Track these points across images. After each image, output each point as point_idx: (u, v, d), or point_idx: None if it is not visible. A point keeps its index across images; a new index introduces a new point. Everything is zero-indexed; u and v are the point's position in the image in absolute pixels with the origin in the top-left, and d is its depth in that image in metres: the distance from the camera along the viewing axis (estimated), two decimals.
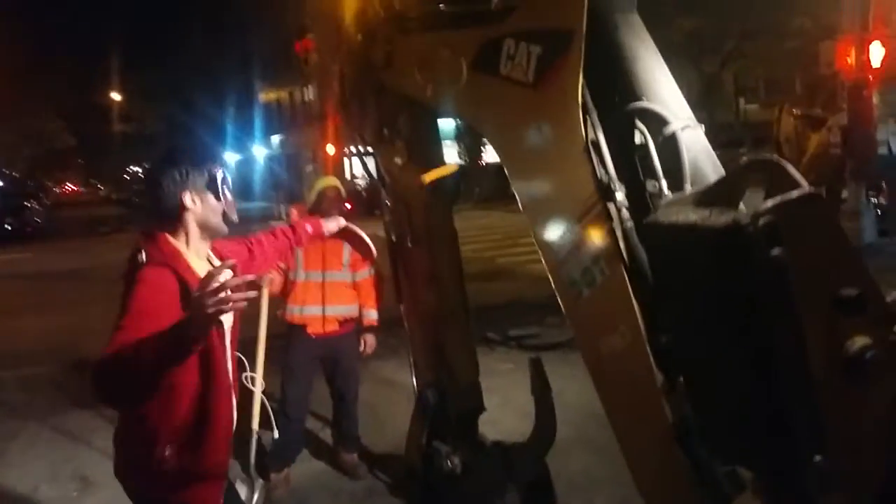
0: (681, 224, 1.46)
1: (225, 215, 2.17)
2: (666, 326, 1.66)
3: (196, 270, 2.09)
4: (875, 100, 10.71)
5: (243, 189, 40.94)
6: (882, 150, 11.49)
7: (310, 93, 35.72)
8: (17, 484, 4.45)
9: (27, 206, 30.11)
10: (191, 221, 2.13)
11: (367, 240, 3.20)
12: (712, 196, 1.52)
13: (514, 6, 2.43)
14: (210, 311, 1.69)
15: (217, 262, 2.25)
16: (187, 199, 2.10)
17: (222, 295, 1.70)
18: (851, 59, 10.05)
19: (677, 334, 1.58)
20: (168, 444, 2.07)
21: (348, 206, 4.26)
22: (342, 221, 2.98)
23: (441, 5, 3.12)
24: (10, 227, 26.02)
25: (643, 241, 1.75)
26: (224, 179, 2.16)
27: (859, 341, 1.27)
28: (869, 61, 9.81)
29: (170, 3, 43.42)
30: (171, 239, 2.11)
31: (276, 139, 42.56)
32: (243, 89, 42.05)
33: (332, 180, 4.31)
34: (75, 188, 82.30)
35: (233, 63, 42.49)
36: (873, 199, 11.14)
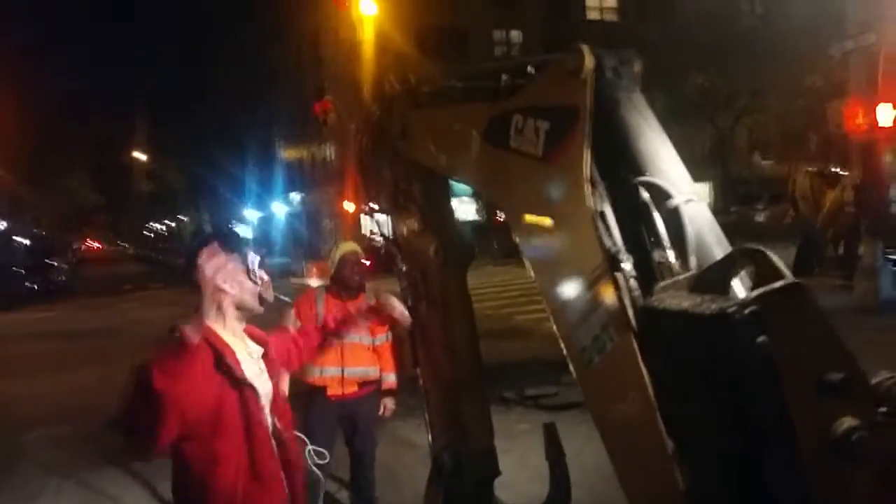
0: (673, 310, 1.55)
1: (260, 296, 2.29)
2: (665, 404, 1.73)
3: (231, 346, 2.21)
4: (888, 157, 10.78)
5: (264, 245, 41.47)
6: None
7: (328, 151, 36.47)
8: None
9: (52, 264, 30.61)
10: (227, 303, 2.26)
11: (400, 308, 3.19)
12: (704, 282, 1.61)
13: (522, 84, 2.58)
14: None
15: (251, 343, 2.37)
16: (221, 282, 2.24)
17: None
18: (860, 120, 10.16)
19: (673, 413, 1.65)
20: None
21: (367, 262, 4.36)
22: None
23: (454, 81, 3.30)
24: (35, 286, 26.44)
25: (639, 323, 1.83)
26: (260, 262, 2.29)
27: (846, 422, 1.34)
28: (877, 122, 9.91)
29: (194, 64, 44.81)
30: (205, 319, 2.24)
31: (296, 196, 43.25)
32: (264, 148, 43.03)
33: (351, 245, 4.44)
34: (99, 245, 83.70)
35: (254, 122, 43.61)
36: (891, 257, 11.10)
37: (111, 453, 6.10)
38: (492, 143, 2.64)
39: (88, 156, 48.36)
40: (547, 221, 2.48)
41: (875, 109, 9.88)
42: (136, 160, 50.74)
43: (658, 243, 2.12)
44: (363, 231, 30.41)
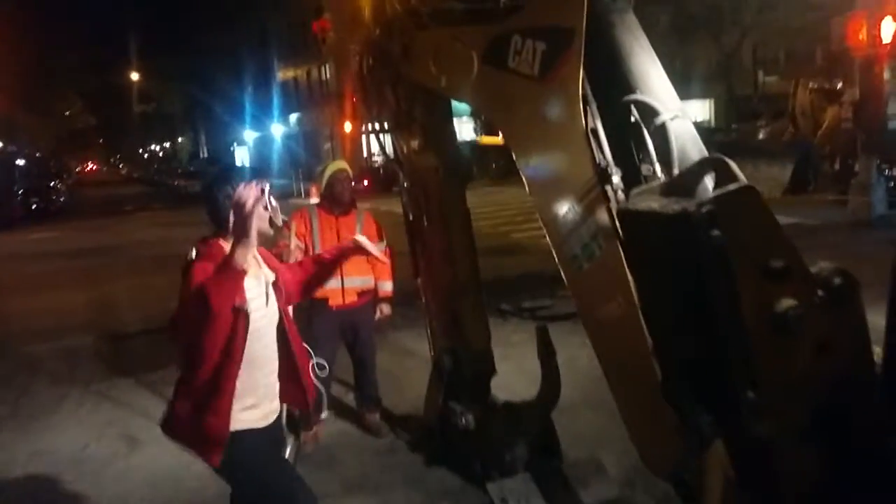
0: (644, 211, 1.76)
1: (271, 220, 2.51)
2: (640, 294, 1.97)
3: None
4: (886, 75, 10.77)
5: (262, 167, 41.25)
6: (893, 124, 11.56)
7: (327, 71, 35.91)
8: (67, 445, 4.84)
9: (52, 185, 30.67)
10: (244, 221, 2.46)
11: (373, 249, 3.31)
12: (673, 188, 1.81)
13: (521, 5, 2.70)
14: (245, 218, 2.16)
15: (262, 264, 2.63)
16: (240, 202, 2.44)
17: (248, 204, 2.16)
18: (863, 35, 10.10)
19: (645, 300, 1.89)
20: (185, 402, 2.47)
21: (366, 183, 4.52)
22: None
23: (454, 2, 3.40)
24: (36, 207, 26.62)
25: (626, 225, 2.03)
26: (269, 191, 2.49)
27: (785, 303, 1.57)
28: (880, 37, 9.85)
29: None
30: (222, 242, 2.46)
31: (294, 117, 42.82)
32: (262, 68, 42.26)
33: (340, 164, 4.58)
34: (96, 167, 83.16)
35: (251, 42, 42.69)
36: (885, 172, 11.24)
37: (120, 365, 6.45)
38: (491, 64, 2.78)
39: (82, 78, 47.54)
40: (542, 139, 2.66)
41: (879, 24, 9.82)
42: (131, 82, 49.90)
43: (646, 157, 2.31)
44: (363, 153, 30.40)
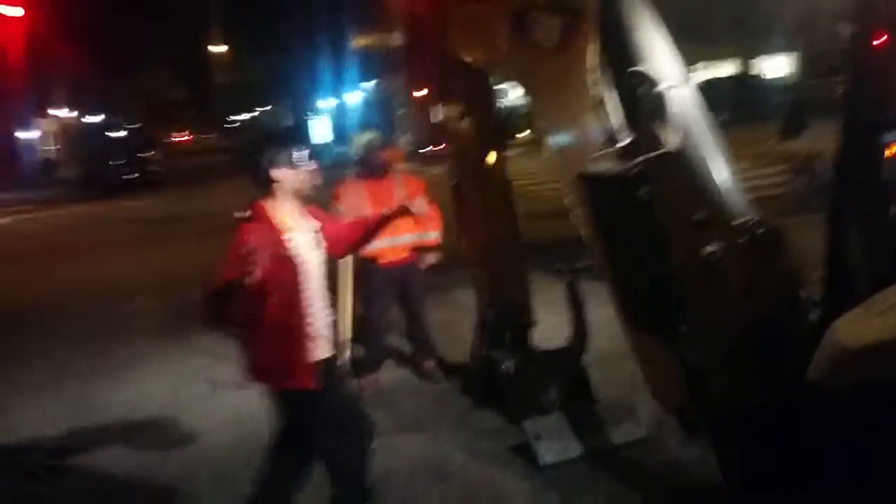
0: (593, 173, 2.04)
1: (311, 181, 2.87)
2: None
3: (286, 223, 2.83)
4: None
5: (339, 134, 42.18)
6: None
7: (397, 38, 36.13)
8: (159, 387, 5.49)
9: (148, 156, 32.21)
10: (282, 189, 2.84)
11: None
12: (622, 153, 2.08)
13: None
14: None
15: (310, 220, 2.97)
16: (276, 173, 2.82)
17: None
18: None
19: (605, 250, 2.18)
20: (263, 349, 2.84)
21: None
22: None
23: None
24: (131, 176, 28.10)
25: (581, 184, 2.32)
26: (309, 153, 2.84)
27: (710, 248, 1.83)
28: None
29: None
30: (264, 204, 2.84)
31: (370, 84, 43.37)
32: (338, 36, 42.87)
33: (370, 134, 4.95)
34: (187, 138, 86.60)
35: (328, 10, 43.30)
36: None
37: (197, 322, 7.05)
38: (516, 37, 3.06)
39: (173, 50, 49.45)
40: (559, 106, 2.92)
41: None
42: (219, 54, 51.59)
43: (650, 121, 2.56)
44: (433, 118, 30.60)
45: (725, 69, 36.05)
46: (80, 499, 4.00)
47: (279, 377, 2.87)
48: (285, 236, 2.80)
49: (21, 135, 34.98)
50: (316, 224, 2.99)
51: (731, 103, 27.77)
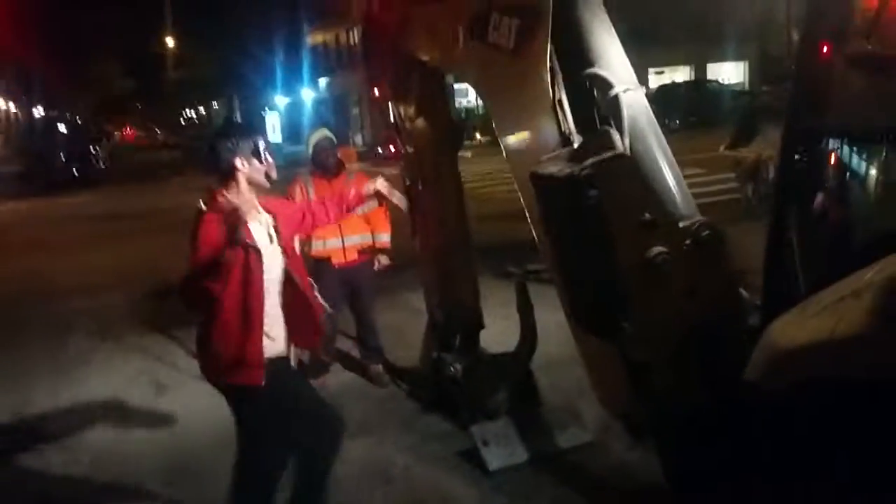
0: (544, 174, 2.04)
1: (267, 174, 2.82)
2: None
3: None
4: None
5: (292, 132, 41.72)
6: None
7: (355, 35, 35.96)
8: (101, 390, 5.32)
9: (91, 151, 31.34)
10: (241, 179, 2.79)
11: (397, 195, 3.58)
12: (574, 155, 2.08)
13: None
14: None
15: (264, 213, 2.90)
16: (237, 162, 2.76)
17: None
18: None
19: (555, 249, 2.18)
20: (217, 341, 2.77)
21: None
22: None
23: None
24: (77, 172, 27.32)
25: (531, 185, 2.31)
26: (266, 147, 2.79)
27: (655, 249, 1.85)
28: None
29: None
30: (224, 192, 2.77)
31: (323, 82, 43.04)
32: (292, 33, 42.43)
33: (321, 132, 4.90)
34: (133, 132, 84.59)
35: (282, 6, 42.82)
36: None
37: (150, 320, 6.90)
38: (473, 38, 3.05)
39: (120, 44, 48.27)
40: (515, 107, 2.92)
41: None
42: (168, 48, 50.48)
43: (603, 124, 2.56)
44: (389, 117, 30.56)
45: (681, 74, 36.93)
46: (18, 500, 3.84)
47: (228, 372, 2.80)
48: (248, 225, 2.73)
49: None
50: (271, 218, 2.92)
51: (686, 108, 28.42)
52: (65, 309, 7.73)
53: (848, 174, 2.02)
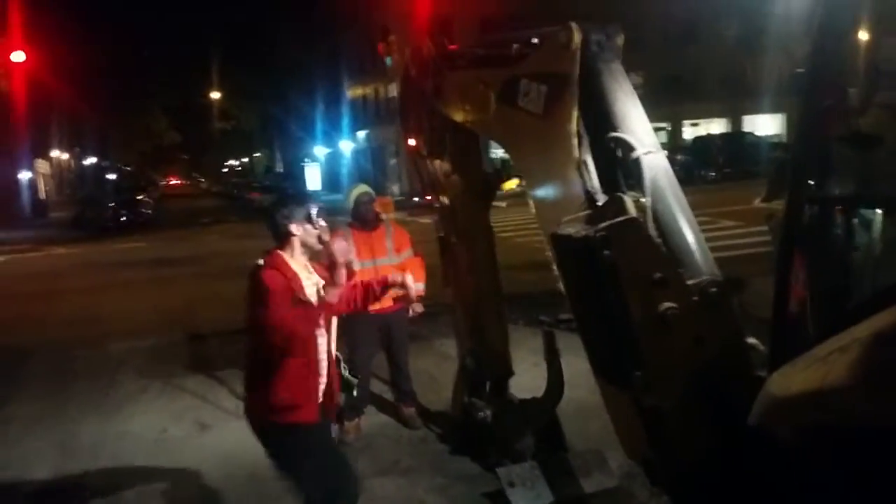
0: (563, 235, 2.25)
1: (319, 237, 3.09)
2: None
3: (297, 273, 3.05)
4: None
5: (331, 181, 42.67)
6: None
7: (393, 89, 36.99)
8: (147, 427, 5.58)
9: (139, 199, 32.51)
10: (295, 242, 3.07)
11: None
12: (591, 218, 2.30)
13: (528, 53, 3.20)
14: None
15: (315, 275, 3.19)
16: (293, 228, 3.05)
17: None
18: None
19: (573, 305, 2.38)
20: (278, 382, 3.01)
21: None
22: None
23: (478, 48, 3.94)
24: (125, 219, 28.34)
25: (552, 244, 2.51)
26: (318, 212, 3.08)
27: (665, 305, 2.04)
28: None
29: (263, 5, 45.59)
30: (281, 253, 3.06)
31: (362, 134, 44.13)
32: (333, 86, 43.75)
33: (361, 188, 5.18)
34: (179, 181, 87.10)
35: (322, 61, 44.32)
36: None
37: (195, 361, 7.20)
38: (504, 102, 3.29)
39: (167, 97, 50.23)
40: (543, 167, 3.13)
41: None
42: (212, 100, 52.44)
43: (625, 185, 2.77)
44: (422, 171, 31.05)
45: (716, 126, 37.03)
46: None
47: (285, 412, 3.03)
48: (302, 283, 3.00)
49: (20, 176, 35.21)
50: (319, 279, 3.20)
51: (722, 160, 28.41)
52: (114, 350, 8.08)
53: (847, 237, 2.19)
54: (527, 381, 4.58)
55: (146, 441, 5.30)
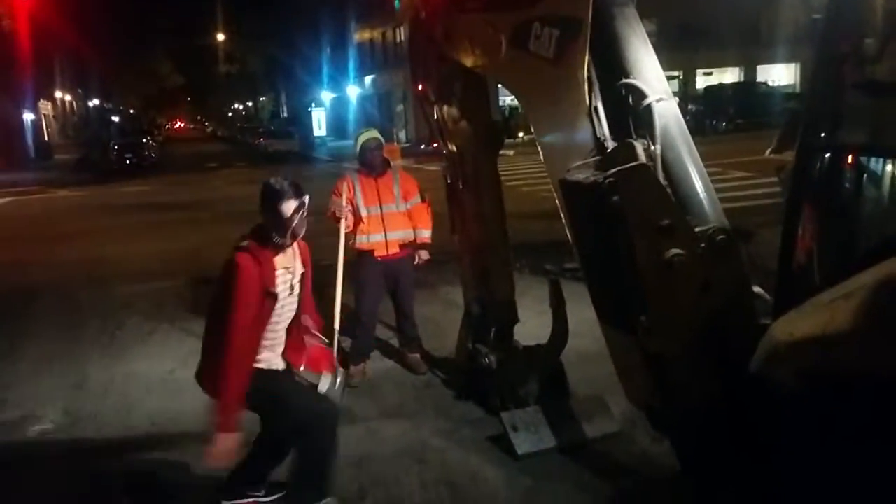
0: (572, 180, 2.24)
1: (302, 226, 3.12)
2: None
3: (275, 265, 3.10)
4: None
5: (338, 127, 42.32)
6: None
7: (401, 33, 36.33)
8: (155, 368, 5.66)
9: (144, 142, 32.34)
10: (286, 229, 3.06)
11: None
12: (600, 164, 2.28)
13: None
14: None
15: (298, 258, 3.27)
16: (286, 213, 3.03)
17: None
18: None
19: (581, 249, 2.39)
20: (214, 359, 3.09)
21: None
22: None
23: None
24: (130, 162, 28.28)
25: (561, 190, 2.50)
26: (305, 205, 3.09)
27: (672, 252, 2.04)
28: None
29: None
30: (262, 239, 3.08)
31: (369, 79, 43.56)
32: (339, 30, 42.99)
33: (370, 133, 5.11)
34: (183, 125, 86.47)
35: (329, 2, 43.42)
36: None
37: (202, 306, 7.22)
38: (515, 47, 3.24)
39: (171, 40, 49.49)
40: (553, 114, 3.10)
41: None
42: (217, 42, 51.63)
43: (635, 132, 2.74)
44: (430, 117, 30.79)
45: (729, 75, 36.38)
46: (73, 479, 4.14)
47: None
48: (277, 273, 3.07)
49: (24, 117, 35.04)
50: (301, 267, 3.28)
51: (734, 110, 27.98)
52: (121, 292, 8.16)
53: (857, 186, 2.17)
54: (531, 328, 4.61)
55: (154, 381, 5.38)
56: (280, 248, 3.11)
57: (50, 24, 31.40)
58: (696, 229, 2.21)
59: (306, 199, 3.11)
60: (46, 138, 38.96)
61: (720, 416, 2.35)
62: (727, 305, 2.15)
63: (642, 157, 2.15)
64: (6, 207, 18.81)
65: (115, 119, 45.34)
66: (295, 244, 3.21)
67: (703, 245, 2.12)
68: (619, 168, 2.07)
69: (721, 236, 2.13)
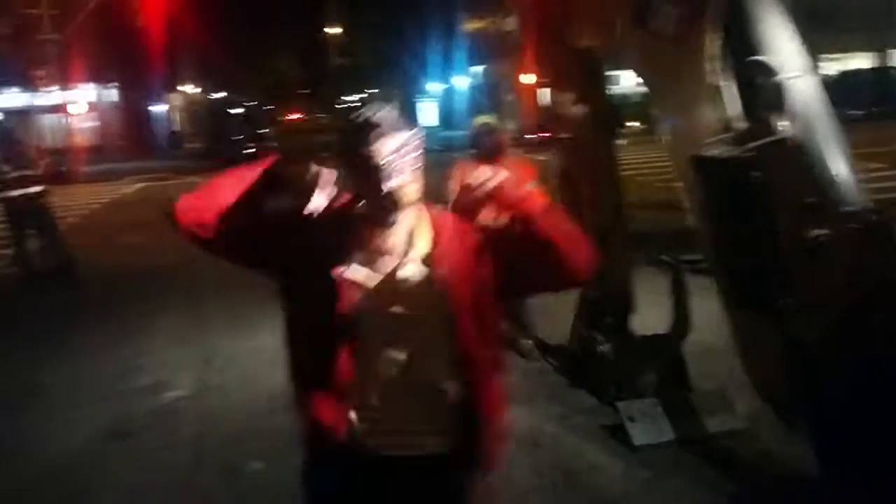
0: (708, 156, 2.14)
1: None
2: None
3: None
4: None
5: (447, 117, 42.64)
6: None
7: (510, 23, 36.08)
8: (277, 344, 5.91)
9: (265, 132, 33.84)
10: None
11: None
12: (737, 139, 2.17)
13: None
14: None
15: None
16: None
17: None
18: None
19: (716, 228, 2.28)
20: None
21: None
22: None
23: None
24: (251, 151, 29.67)
25: (695, 167, 2.40)
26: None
27: (816, 231, 1.91)
28: None
29: None
30: None
31: (478, 69, 43.59)
32: (449, 20, 43.25)
33: (482, 118, 5.11)
34: (300, 116, 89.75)
35: None
36: None
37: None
38: (634, 26, 3.15)
39: (290, 33, 51.49)
40: (676, 93, 3.00)
41: None
42: (331, 35, 53.19)
43: (767, 110, 2.61)
44: (540, 103, 30.50)
45: (857, 62, 33.88)
46: (205, 441, 4.41)
47: None
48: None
49: (152, 108, 37.55)
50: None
51: (871, 97, 26.05)
52: (245, 273, 8.55)
53: None
54: (644, 319, 4.50)
55: (276, 355, 5.61)
56: None
57: (180, 21, 33.42)
58: (843, 209, 2.06)
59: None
60: (177, 129, 41.55)
61: (862, 409, 2.19)
62: (877, 290, 2.00)
63: (785, 132, 2.04)
64: (140, 193, 20.22)
65: (238, 111, 47.72)
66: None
67: (853, 226, 1.98)
68: (760, 142, 1.96)
69: (874, 216, 1.99)
